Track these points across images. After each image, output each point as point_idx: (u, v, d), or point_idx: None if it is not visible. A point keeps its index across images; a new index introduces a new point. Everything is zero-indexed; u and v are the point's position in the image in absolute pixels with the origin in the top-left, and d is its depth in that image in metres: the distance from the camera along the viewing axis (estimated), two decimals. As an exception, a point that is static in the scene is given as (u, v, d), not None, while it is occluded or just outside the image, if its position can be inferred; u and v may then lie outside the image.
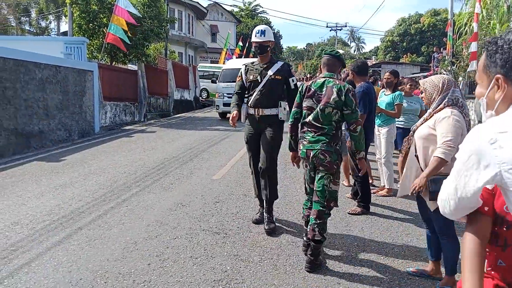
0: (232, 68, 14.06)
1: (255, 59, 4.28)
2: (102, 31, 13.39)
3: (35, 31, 29.81)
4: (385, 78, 5.75)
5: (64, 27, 25.82)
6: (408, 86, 5.92)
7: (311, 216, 3.18)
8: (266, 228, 3.88)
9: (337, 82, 3.19)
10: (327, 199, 3.16)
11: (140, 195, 5.04)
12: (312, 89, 3.24)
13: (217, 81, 15.50)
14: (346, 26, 40.48)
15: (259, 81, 3.97)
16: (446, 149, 2.55)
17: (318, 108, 3.16)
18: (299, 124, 3.39)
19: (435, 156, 2.59)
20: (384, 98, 5.52)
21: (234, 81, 4.49)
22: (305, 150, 3.22)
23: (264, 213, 4.04)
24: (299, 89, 3.45)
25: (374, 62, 33.46)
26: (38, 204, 4.65)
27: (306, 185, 3.40)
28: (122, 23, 11.75)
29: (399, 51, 40.73)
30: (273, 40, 4.09)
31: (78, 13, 13.30)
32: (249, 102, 4.04)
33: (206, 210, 4.50)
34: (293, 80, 4.08)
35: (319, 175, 3.16)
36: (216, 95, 14.83)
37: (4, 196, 4.96)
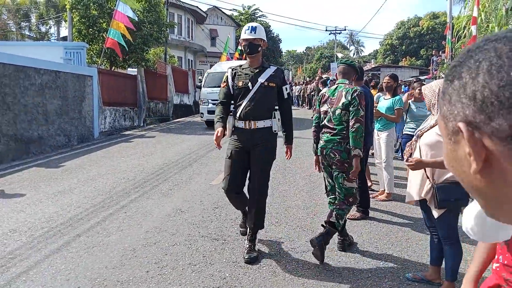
0: (219, 72, 12.49)
1: (244, 61, 3.69)
2: (102, 36, 13.44)
3: (35, 36, 29.91)
4: (384, 82, 5.73)
5: (64, 32, 25.90)
6: (417, 91, 5.59)
7: (335, 203, 3.55)
8: (246, 257, 3.33)
9: (347, 86, 3.54)
10: (345, 195, 3.46)
11: (139, 201, 5.03)
12: (326, 95, 3.64)
13: (201, 86, 13.52)
14: (345, 30, 40.46)
15: (250, 88, 3.38)
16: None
17: (330, 111, 3.53)
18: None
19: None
20: (383, 102, 5.52)
21: (220, 87, 3.77)
22: (320, 148, 3.58)
23: (245, 240, 3.50)
24: (318, 97, 3.82)
25: (373, 66, 33.52)
26: (37, 210, 4.64)
27: (326, 182, 3.69)
28: (122, 28, 11.79)
29: (398, 54, 40.84)
30: (265, 40, 3.51)
31: (78, 18, 13.36)
32: (238, 114, 3.41)
33: (205, 216, 4.49)
34: (286, 89, 3.56)
35: (334, 174, 3.50)
36: (200, 102, 13.15)
37: (3, 202, 4.95)
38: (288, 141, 3.62)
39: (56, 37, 30.32)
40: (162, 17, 16.00)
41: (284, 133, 3.59)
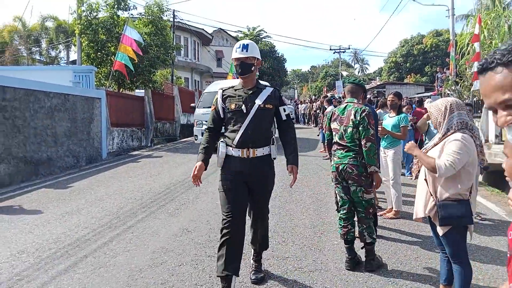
0: (215, 92, 11.66)
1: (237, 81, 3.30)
2: (110, 60, 13.74)
3: (45, 60, 30.65)
4: (389, 101, 5.76)
5: (73, 56, 26.52)
6: None
7: (358, 224, 3.65)
8: (253, 278, 3.31)
9: (356, 105, 3.68)
10: (365, 208, 3.60)
11: (145, 221, 5.03)
12: (336, 113, 3.77)
13: (195, 106, 12.68)
14: (349, 49, 40.90)
15: (245, 111, 3.02)
16: (447, 163, 2.52)
17: (341, 129, 3.65)
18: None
19: (436, 161, 2.57)
20: (389, 120, 5.54)
21: None
22: (335, 165, 3.66)
23: (252, 260, 3.45)
24: (327, 115, 3.91)
25: (378, 83, 33.70)
26: (45, 231, 4.66)
27: (338, 198, 3.75)
28: (129, 51, 12.07)
29: (403, 71, 41.00)
30: (260, 58, 3.16)
31: (86, 42, 13.72)
32: (234, 141, 3.03)
33: (212, 236, 4.48)
34: (284, 110, 3.24)
35: (352, 189, 3.59)
36: (195, 123, 12.11)
37: (12, 224, 4.99)
38: (294, 162, 3.18)
39: (65, 61, 31.04)
40: (168, 40, 16.36)
41: (287, 156, 3.22)
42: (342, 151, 3.63)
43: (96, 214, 5.38)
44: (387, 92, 22.00)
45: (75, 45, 15.82)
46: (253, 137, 3.01)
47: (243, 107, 3.02)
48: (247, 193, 3.10)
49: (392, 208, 5.29)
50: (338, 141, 3.67)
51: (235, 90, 3.12)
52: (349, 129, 3.60)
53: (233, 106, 3.05)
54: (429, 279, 3.39)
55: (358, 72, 61.92)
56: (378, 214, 4.92)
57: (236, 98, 3.07)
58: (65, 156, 9.40)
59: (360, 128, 3.53)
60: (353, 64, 64.34)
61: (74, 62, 21.78)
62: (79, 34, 13.73)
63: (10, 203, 6.09)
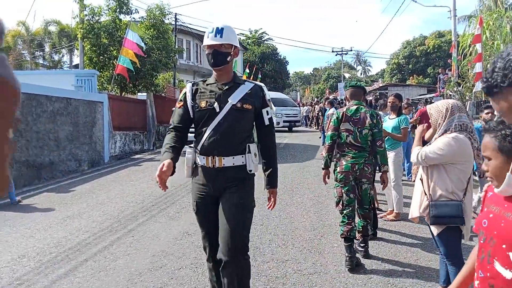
0: None
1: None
2: (112, 63, 13.81)
3: (48, 64, 30.85)
4: (390, 102, 5.76)
5: (76, 60, 26.66)
6: None
7: (360, 220, 3.93)
8: None
9: (368, 109, 3.93)
10: (370, 202, 3.98)
11: (146, 225, 5.05)
12: (347, 115, 3.89)
13: None
14: (351, 50, 40.88)
15: (217, 110, 2.41)
16: (420, 153, 2.69)
17: (356, 131, 3.82)
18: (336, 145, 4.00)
19: (415, 148, 2.80)
20: (389, 122, 5.53)
21: None
22: (349, 164, 3.81)
23: None
24: (336, 116, 3.93)
25: (381, 85, 33.64)
26: (46, 236, 4.69)
27: (344, 198, 3.84)
28: (131, 55, 12.13)
29: (405, 73, 40.92)
30: (238, 46, 2.60)
31: (89, 46, 13.79)
32: (198, 146, 2.44)
33: (212, 239, 4.48)
34: (267, 113, 2.57)
35: (364, 186, 3.86)
36: None
37: (13, 228, 5.02)
38: (271, 183, 2.57)
39: (68, 65, 31.23)
40: (170, 43, 16.41)
41: (265, 173, 2.58)
42: (355, 151, 3.83)
43: (97, 218, 5.40)
44: (389, 94, 21.97)
45: (77, 49, 15.91)
46: (220, 143, 2.38)
47: (216, 105, 2.42)
48: (216, 215, 2.44)
49: (393, 210, 5.28)
50: (352, 141, 3.83)
51: (207, 85, 2.53)
52: (364, 131, 3.82)
53: (203, 104, 2.45)
54: (429, 281, 3.38)
55: (361, 74, 61.85)
56: (378, 216, 4.92)
57: (207, 95, 2.47)
58: (67, 160, 9.44)
59: (375, 131, 3.83)
60: (355, 66, 64.29)
61: (77, 66, 21.89)
62: (81, 38, 13.81)
63: (13, 208, 6.12)
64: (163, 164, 2.26)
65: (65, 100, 9.50)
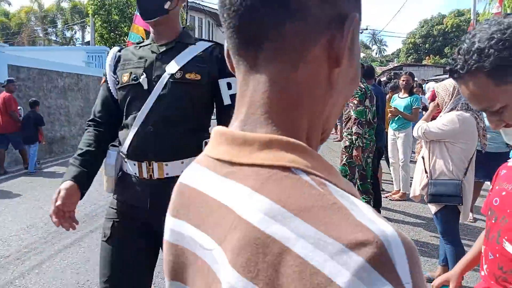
0: None
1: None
2: (123, 40, 13.79)
3: (60, 41, 31.00)
4: (403, 81, 5.63)
5: (88, 37, 26.73)
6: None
7: (362, 196, 3.93)
8: None
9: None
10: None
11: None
12: (367, 92, 3.93)
13: None
14: (366, 29, 39.98)
15: (144, 86, 1.47)
16: (420, 127, 2.66)
17: (372, 108, 3.95)
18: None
19: (424, 123, 2.72)
20: (400, 101, 5.40)
21: None
22: (370, 143, 3.98)
23: None
24: (363, 91, 3.87)
25: (396, 65, 32.95)
26: (54, 207, 4.80)
27: (364, 172, 4.03)
28: (141, 32, 12.07)
29: (421, 53, 39.97)
30: None
31: (100, 23, 13.78)
32: (124, 145, 1.50)
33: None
34: (229, 86, 1.51)
35: (369, 160, 4.07)
36: None
37: (24, 199, 5.16)
38: None
39: (81, 42, 31.34)
40: (182, 20, 16.27)
41: None
42: (371, 130, 3.99)
43: (104, 192, 5.48)
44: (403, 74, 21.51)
45: (89, 26, 15.92)
46: (157, 138, 1.45)
47: (143, 78, 1.47)
48: (146, 257, 1.55)
49: (399, 190, 5.25)
50: (371, 119, 3.95)
51: (139, 48, 1.57)
52: (373, 108, 4.01)
53: (125, 78, 1.50)
54: (429, 260, 3.38)
55: (376, 53, 60.64)
56: (383, 195, 4.90)
57: (133, 63, 1.52)
58: (78, 135, 9.58)
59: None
60: (370, 45, 62.99)
61: (88, 43, 21.95)
62: (92, 14, 13.81)
63: (23, 180, 6.28)
64: (58, 193, 1.44)
65: (76, 76, 9.57)
